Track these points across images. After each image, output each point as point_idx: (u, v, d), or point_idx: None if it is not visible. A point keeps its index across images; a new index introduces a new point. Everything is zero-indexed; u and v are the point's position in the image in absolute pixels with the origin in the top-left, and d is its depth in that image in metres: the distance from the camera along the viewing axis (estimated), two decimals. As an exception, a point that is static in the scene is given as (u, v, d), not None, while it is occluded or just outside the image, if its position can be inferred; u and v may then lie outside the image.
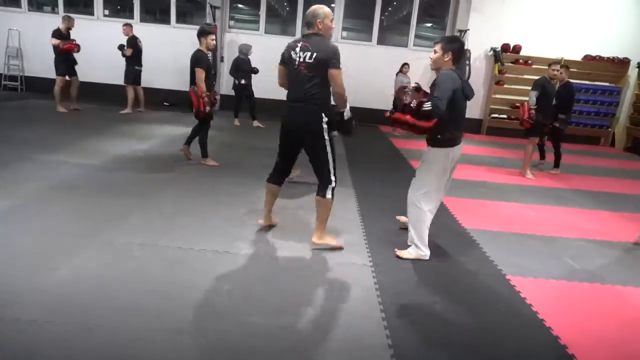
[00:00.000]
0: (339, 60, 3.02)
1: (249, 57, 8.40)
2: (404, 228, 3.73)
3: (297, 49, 3.06)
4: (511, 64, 10.44)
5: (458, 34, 10.09)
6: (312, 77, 3.04)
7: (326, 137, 3.11)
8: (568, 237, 4.09)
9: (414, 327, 2.47)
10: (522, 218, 4.57)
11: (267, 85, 8.87)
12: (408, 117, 3.01)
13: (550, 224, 4.43)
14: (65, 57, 8.04)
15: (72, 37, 8.10)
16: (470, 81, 9.91)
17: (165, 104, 10.18)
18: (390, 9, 11.11)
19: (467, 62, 9.72)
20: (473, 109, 10.73)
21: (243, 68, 8.28)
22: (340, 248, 3.33)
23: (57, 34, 7.91)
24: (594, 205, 5.26)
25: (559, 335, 2.48)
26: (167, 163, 5.42)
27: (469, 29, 10.03)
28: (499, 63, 10.29)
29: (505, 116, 10.74)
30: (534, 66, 10.33)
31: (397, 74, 9.25)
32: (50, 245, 3.00)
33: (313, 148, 3.16)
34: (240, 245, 3.29)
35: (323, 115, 3.08)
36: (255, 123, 8.68)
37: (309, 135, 3.15)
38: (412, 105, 3.00)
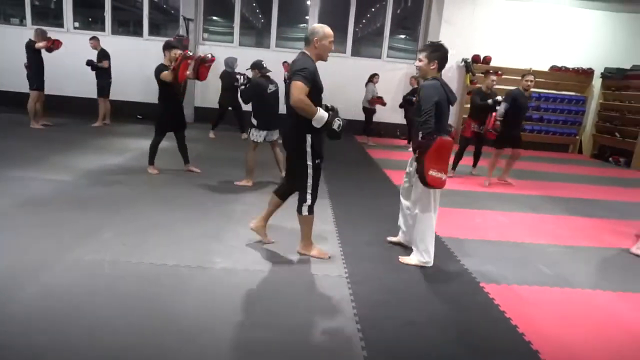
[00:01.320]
0: (304, 74, 2.93)
1: (235, 69, 8.37)
2: (394, 243, 3.80)
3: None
4: (482, 75, 10.69)
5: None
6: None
7: (309, 161, 3.16)
8: (540, 244, 4.18)
9: (389, 337, 2.47)
10: (495, 225, 4.65)
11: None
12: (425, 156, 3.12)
13: (522, 231, 4.53)
14: (40, 70, 7.79)
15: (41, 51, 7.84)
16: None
17: (138, 116, 10.02)
18: (364, 21, 11.28)
19: (439, 72, 9.92)
20: (446, 119, 10.92)
21: (230, 81, 8.25)
22: (322, 258, 3.39)
23: (34, 43, 7.57)
24: (564, 211, 5.41)
25: (531, 340, 2.52)
26: (141, 177, 5.32)
27: (440, 41, 10.20)
28: (470, 73, 10.54)
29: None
30: (504, 76, 10.59)
31: (367, 84, 9.41)
32: (17, 264, 2.89)
33: (296, 165, 3.25)
34: (215, 259, 3.24)
35: (308, 137, 3.09)
36: (244, 136, 8.69)
37: (293, 153, 3.26)
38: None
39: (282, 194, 3.48)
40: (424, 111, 3.14)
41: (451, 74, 10.74)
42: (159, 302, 2.62)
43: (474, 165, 7.16)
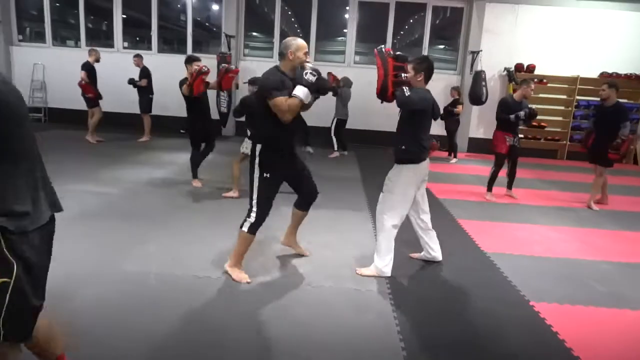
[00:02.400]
0: (270, 88, 2.91)
1: None
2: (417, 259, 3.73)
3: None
4: (519, 84, 10.39)
5: (470, 55, 10.14)
6: (253, 111, 3.12)
7: (255, 173, 3.05)
8: (592, 260, 3.97)
9: (434, 356, 2.40)
10: (542, 240, 4.45)
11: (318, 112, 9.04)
12: (391, 67, 3.15)
13: (572, 246, 4.31)
14: (95, 87, 8.29)
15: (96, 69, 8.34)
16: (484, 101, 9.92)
17: (181, 131, 10.36)
18: (402, 32, 11.24)
19: (483, 83, 9.71)
20: (489, 129, 10.63)
21: None
22: (241, 282, 3.12)
23: (88, 66, 8.11)
24: (617, 225, 5.11)
25: (588, 365, 2.38)
26: (185, 190, 5.48)
27: (481, 50, 10.06)
28: (513, 82, 10.25)
29: (521, 136, 10.62)
30: (549, 85, 10.26)
31: None
32: (70, 275, 3.03)
33: (249, 176, 3.13)
34: (257, 274, 3.27)
35: (257, 146, 3.05)
36: (307, 148, 8.93)
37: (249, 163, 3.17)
38: (402, 75, 3.19)
39: (297, 204, 3.51)
40: (410, 94, 3.14)
41: (493, 84, 10.51)
42: (202, 315, 2.67)
43: (510, 186, 6.25)
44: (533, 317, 2.88)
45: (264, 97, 2.94)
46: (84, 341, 2.31)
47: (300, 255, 3.65)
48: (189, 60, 5.46)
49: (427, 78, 3.30)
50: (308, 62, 3.07)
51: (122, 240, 3.74)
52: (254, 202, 3.07)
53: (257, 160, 3.04)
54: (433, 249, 3.62)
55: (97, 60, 8.24)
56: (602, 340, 2.67)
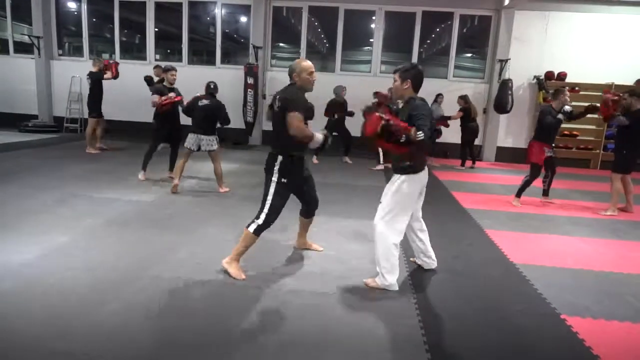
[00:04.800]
0: (296, 105, 3.13)
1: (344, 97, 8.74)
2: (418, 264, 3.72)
3: (276, 98, 3.30)
4: (551, 93, 10.16)
5: (499, 63, 10.01)
6: (277, 121, 3.26)
7: (274, 179, 3.26)
8: (629, 273, 3.83)
9: (462, 369, 2.36)
10: (576, 252, 4.32)
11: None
12: (390, 146, 3.00)
13: (607, 259, 4.16)
14: (99, 98, 8.42)
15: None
16: (514, 109, 9.73)
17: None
18: (428, 41, 11.19)
19: (510, 91, 9.55)
20: (518, 138, 10.45)
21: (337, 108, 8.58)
22: (236, 279, 3.26)
23: (97, 75, 8.29)
24: (656, 238, 4.91)
25: (624, 382, 2.29)
26: (213, 197, 5.59)
27: (509, 59, 9.91)
28: (544, 91, 10.04)
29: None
30: (581, 93, 10.00)
31: (431, 104, 9.25)
32: (103, 280, 3.13)
33: (265, 183, 3.34)
34: (283, 280, 3.30)
35: (279, 157, 3.25)
36: (345, 159, 9.03)
37: (265, 171, 3.35)
38: (400, 138, 2.91)
39: (303, 213, 3.79)
40: (421, 122, 2.94)
41: (522, 92, 10.34)
42: (227, 321, 2.70)
43: (547, 194, 6.40)
44: (565, 332, 2.80)
45: (288, 108, 3.14)
46: (113, 343, 2.39)
47: (324, 261, 3.67)
48: (164, 70, 6.17)
49: (416, 86, 3.18)
50: (315, 79, 3.33)
51: (153, 246, 3.83)
52: (267, 205, 3.27)
53: (277, 167, 3.26)
54: (428, 255, 3.61)
55: (101, 70, 8.43)
56: (639, 358, 2.57)
